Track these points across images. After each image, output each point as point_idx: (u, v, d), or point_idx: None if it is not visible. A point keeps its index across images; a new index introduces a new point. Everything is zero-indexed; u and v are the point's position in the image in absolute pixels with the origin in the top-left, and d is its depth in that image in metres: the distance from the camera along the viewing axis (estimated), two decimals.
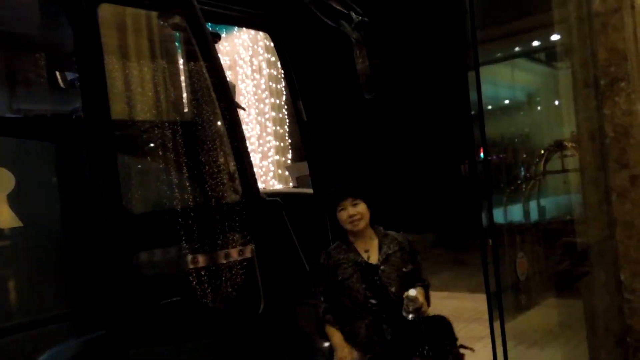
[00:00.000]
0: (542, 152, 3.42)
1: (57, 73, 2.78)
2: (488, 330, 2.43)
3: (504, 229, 3.21)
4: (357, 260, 2.54)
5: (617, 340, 2.17)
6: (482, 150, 2.32)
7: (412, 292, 2.34)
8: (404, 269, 2.53)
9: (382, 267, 2.52)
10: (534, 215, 3.70)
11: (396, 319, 2.40)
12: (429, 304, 2.58)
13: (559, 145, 3.14)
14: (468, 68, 2.32)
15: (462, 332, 4.76)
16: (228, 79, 3.38)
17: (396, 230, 2.67)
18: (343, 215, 2.54)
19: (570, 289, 2.90)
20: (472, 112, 2.35)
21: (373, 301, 2.47)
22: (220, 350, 2.52)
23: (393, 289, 2.48)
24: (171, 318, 2.29)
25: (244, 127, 3.47)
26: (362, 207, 2.53)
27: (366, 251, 2.58)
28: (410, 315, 2.34)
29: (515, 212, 3.60)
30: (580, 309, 2.56)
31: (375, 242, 2.59)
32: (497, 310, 2.27)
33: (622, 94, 2.02)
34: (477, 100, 2.15)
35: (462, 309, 5.34)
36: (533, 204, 3.70)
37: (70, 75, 2.79)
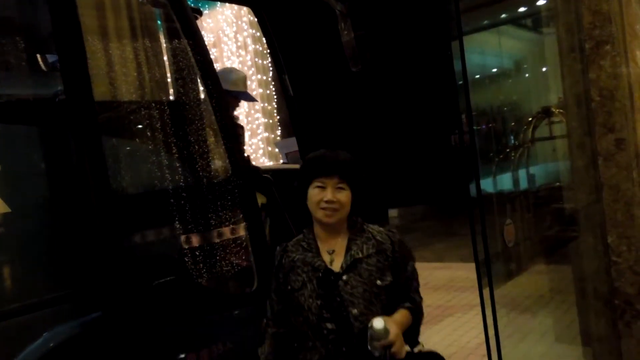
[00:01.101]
0: (530, 119, 3.43)
1: (38, 55, 2.73)
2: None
3: (494, 197, 3.24)
4: (315, 265, 1.79)
5: (605, 302, 2.21)
6: (467, 120, 2.32)
7: (378, 323, 1.63)
8: (377, 282, 1.76)
9: (344, 277, 1.75)
10: (523, 183, 3.73)
11: (360, 355, 1.69)
12: (417, 334, 1.86)
13: (546, 112, 3.15)
14: (459, 35, 2.29)
15: (455, 300, 4.85)
16: (239, 70, 3.36)
17: (384, 211, 2.08)
18: (316, 196, 1.77)
19: (559, 255, 2.94)
20: (460, 82, 2.34)
21: (330, 325, 1.72)
22: (214, 329, 2.53)
23: (355, 311, 1.72)
24: (166, 298, 2.30)
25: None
26: (345, 195, 1.78)
27: (330, 252, 1.82)
28: (377, 353, 1.65)
29: (505, 181, 3.63)
30: (569, 274, 2.60)
31: (346, 240, 1.83)
32: (487, 278, 2.29)
33: (607, 57, 2.02)
34: (462, 70, 2.13)
35: (455, 278, 5.44)
36: (522, 172, 3.72)
37: (51, 58, 2.75)
